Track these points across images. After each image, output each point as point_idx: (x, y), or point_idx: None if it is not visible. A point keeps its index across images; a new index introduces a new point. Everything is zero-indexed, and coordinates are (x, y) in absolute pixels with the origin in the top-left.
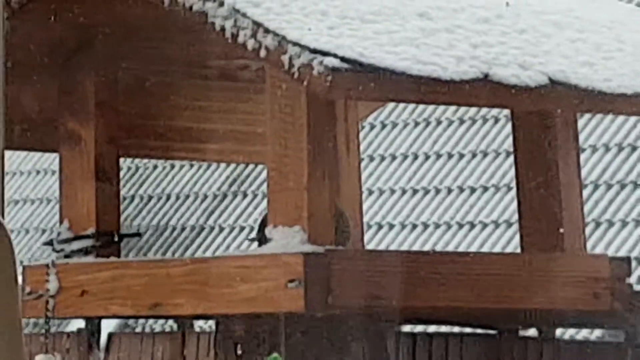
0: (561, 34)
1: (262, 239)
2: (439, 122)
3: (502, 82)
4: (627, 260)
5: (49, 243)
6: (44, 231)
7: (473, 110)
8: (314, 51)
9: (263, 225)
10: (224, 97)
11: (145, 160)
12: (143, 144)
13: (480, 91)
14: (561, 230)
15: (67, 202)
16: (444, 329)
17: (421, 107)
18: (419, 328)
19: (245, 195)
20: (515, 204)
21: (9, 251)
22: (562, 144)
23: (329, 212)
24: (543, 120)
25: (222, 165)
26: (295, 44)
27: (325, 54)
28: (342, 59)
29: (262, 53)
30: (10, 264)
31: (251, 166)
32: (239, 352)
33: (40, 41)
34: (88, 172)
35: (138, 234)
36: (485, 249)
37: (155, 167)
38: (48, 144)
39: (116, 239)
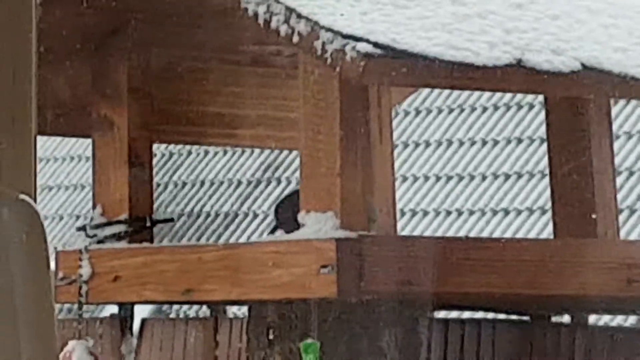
0: (594, 20)
1: (284, 225)
2: (473, 109)
3: (535, 68)
4: None
5: (82, 228)
6: (77, 217)
7: (507, 96)
8: (347, 37)
9: (282, 211)
10: (256, 82)
11: (180, 147)
12: (176, 130)
13: (513, 77)
14: (594, 216)
15: (100, 187)
16: (477, 315)
17: (455, 93)
18: (453, 314)
19: (279, 181)
20: (549, 190)
21: (42, 237)
22: (595, 131)
23: (362, 199)
24: (576, 107)
25: (256, 151)
26: (327, 29)
27: (357, 39)
28: (375, 45)
29: (295, 39)
30: (43, 249)
31: (285, 153)
32: (271, 337)
33: (72, 26)
34: (121, 157)
35: (171, 219)
36: (519, 236)
37: (189, 153)
38: (81, 130)
39: (149, 224)
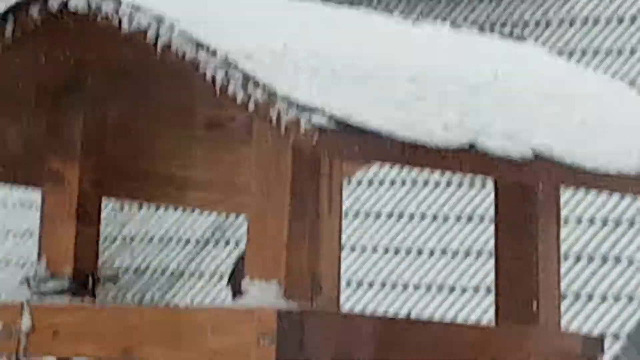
0: (549, 108)
1: (234, 288)
2: (425, 183)
3: (488, 152)
4: (601, 339)
5: (26, 281)
6: (23, 265)
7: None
8: (303, 108)
9: (234, 272)
10: (209, 145)
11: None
12: (126, 187)
13: (466, 159)
14: (535, 302)
15: (46, 240)
16: None
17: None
18: None
19: (227, 242)
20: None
21: None
22: (543, 216)
23: (307, 269)
24: (526, 192)
25: (205, 212)
26: (284, 99)
27: (313, 111)
28: (330, 118)
29: (251, 106)
30: None
31: (233, 215)
32: None
33: (29, 79)
34: (69, 211)
35: (115, 277)
36: (463, 314)
37: (140, 207)
38: (32, 180)
39: (92, 281)
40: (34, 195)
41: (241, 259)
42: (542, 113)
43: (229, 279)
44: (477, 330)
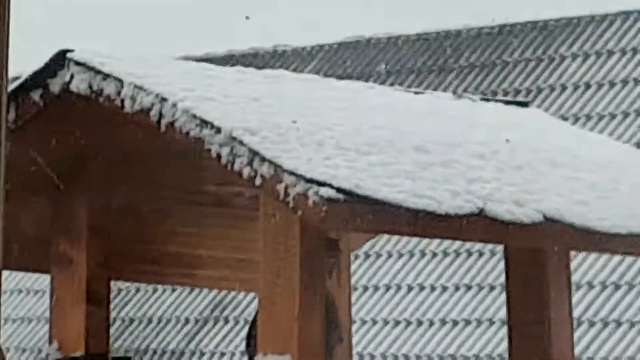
0: (557, 172)
1: (250, 353)
2: (423, 254)
3: (497, 218)
4: None
5: None
6: (40, 351)
7: (457, 243)
8: (310, 181)
9: (249, 336)
10: (217, 223)
11: (128, 283)
12: (135, 268)
13: (475, 226)
14: None
15: (57, 323)
16: None
17: (405, 238)
18: None
19: (227, 320)
20: (496, 339)
21: None
22: (554, 281)
23: (320, 342)
24: (536, 257)
25: (204, 290)
26: (291, 173)
27: (321, 184)
28: (338, 190)
29: (258, 181)
30: None
31: (233, 292)
32: None
33: (37, 162)
34: (79, 294)
35: (128, 358)
36: None
37: (137, 289)
38: (41, 265)
39: None
40: (44, 283)
41: (254, 323)
42: (550, 178)
43: (247, 346)
44: None
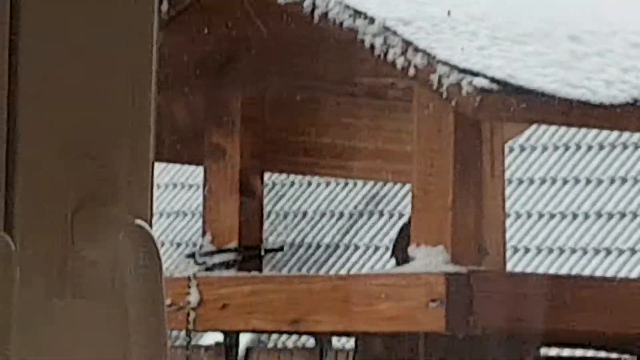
0: None
1: (398, 257)
2: (578, 147)
3: None
4: None
5: (191, 255)
6: (178, 245)
7: (613, 135)
8: (463, 71)
9: (398, 242)
10: (370, 114)
11: (283, 177)
12: (288, 160)
13: (630, 116)
14: None
15: (210, 215)
16: (588, 354)
17: (560, 131)
18: (553, 350)
19: (381, 214)
20: None
21: (158, 263)
22: None
23: (473, 233)
24: None
25: (359, 183)
26: (444, 63)
27: (474, 74)
28: (492, 80)
29: (411, 72)
30: (158, 276)
31: (388, 185)
32: None
33: (190, 54)
34: (232, 186)
35: (281, 249)
36: (621, 276)
37: (292, 183)
38: (194, 157)
39: (260, 253)
40: (184, 177)
41: (403, 228)
42: None
43: (393, 250)
44: None
